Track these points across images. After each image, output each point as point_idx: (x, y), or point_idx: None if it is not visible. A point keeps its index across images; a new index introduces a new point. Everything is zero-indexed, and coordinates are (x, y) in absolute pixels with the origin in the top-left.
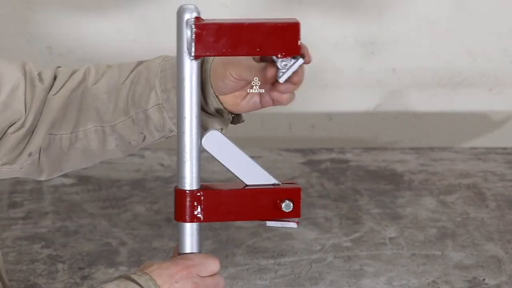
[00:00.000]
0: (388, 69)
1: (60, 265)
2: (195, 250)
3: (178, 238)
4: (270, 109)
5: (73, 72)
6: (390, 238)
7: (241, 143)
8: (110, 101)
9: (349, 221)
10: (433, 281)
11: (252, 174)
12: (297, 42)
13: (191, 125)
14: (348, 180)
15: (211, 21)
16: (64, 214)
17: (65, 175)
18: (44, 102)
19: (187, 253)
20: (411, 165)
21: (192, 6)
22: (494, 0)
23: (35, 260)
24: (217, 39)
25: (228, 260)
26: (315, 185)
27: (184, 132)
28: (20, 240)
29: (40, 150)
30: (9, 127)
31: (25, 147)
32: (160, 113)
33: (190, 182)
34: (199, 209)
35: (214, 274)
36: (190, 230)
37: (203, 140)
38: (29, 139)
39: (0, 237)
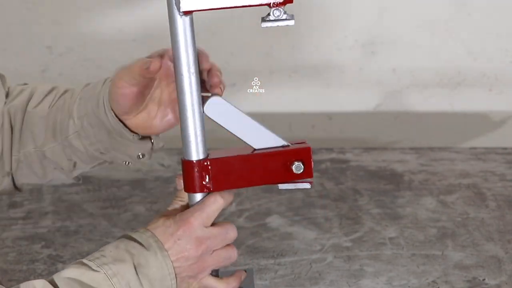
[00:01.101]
0: (388, 69)
1: (60, 265)
2: None
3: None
4: (270, 109)
5: (21, 91)
6: (390, 238)
7: (241, 143)
8: (42, 126)
9: (349, 221)
10: (433, 281)
11: (259, 137)
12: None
13: (190, 82)
14: (348, 180)
15: None
16: (64, 214)
17: None
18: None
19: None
20: (411, 165)
21: None
22: (494, 0)
23: (35, 260)
24: None
25: None
26: (315, 185)
27: (184, 92)
28: (20, 240)
29: None
30: None
31: None
32: (80, 140)
33: (196, 151)
34: (207, 179)
35: (228, 245)
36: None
37: (205, 107)
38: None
39: (0, 237)
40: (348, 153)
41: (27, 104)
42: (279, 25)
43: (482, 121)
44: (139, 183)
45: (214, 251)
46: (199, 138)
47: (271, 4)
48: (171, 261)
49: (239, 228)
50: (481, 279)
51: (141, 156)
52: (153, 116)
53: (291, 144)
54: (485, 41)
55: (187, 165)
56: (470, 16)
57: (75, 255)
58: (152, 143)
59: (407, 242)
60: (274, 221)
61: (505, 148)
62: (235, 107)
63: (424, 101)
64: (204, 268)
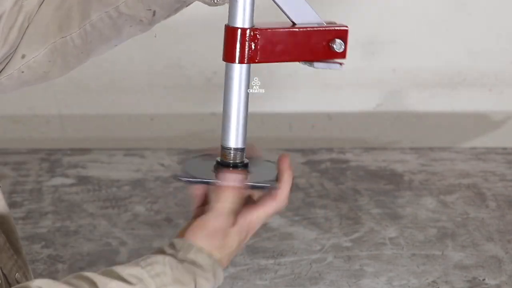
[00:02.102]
0: (388, 69)
1: (60, 265)
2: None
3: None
4: (270, 109)
5: None
6: (390, 238)
7: None
8: None
9: (349, 221)
10: (433, 281)
11: (301, 12)
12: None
13: None
14: (348, 180)
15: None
16: (64, 214)
17: (65, 175)
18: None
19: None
20: (411, 165)
21: None
22: (494, 0)
23: (35, 260)
24: None
25: None
26: (315, 185)
27: None
28: (20, 240)
29: (52, 55)
30: None
31: (16, 49)
32: None
33: (242, 20)
34: (253, 48)
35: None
36: (239, 71)
37: None
38: (20, 42)
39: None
40: (348, 153)
41: None
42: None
43: (482, 121)
44: (139, 183)
45: None
46: (248, 7)
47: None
48: (222, 269)
49: None
50: (481, 279)
51: None
52: None
53: (327, 23)
54: (485, 41)
55: (231, 31)
56: (470, 16)
57: (75, 255)
58: None
59: (407, 242)
60: (274, 221)
61: (505, 148)
62: None
63: (424, 101)
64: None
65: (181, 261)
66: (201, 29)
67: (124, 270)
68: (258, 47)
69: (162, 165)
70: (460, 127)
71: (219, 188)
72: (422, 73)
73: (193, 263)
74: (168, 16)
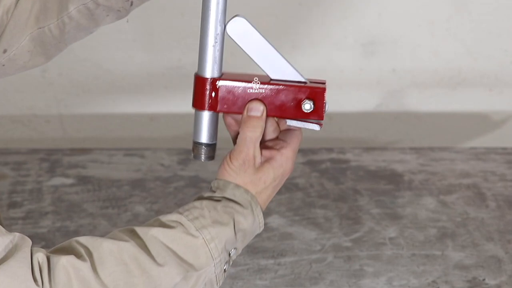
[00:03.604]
0: (388, 69)
1: None
2: (207, 140)
3: (193, 126)
4: None
5: None
6: (390, 238)
7: None
8: None
9: (349, 221)
10: (433, 281)
11: (278, 68)
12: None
13: (217, 3)
14: (348, 180)
15: None
16: (64, 214)
17: (65, 175)
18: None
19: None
20: (411, 165)
21: None
22: (494, 0)
23: None
24: None
25: None
26: (315, 185)
27: (209, 11)
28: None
29: (30, 45)
30: None
31: None
32: None
33: (211, 69)
34: (217, 99)
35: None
36: (207, 118)
37: (227, 25)
38: (1, 37)
39: None
40: (348, 153)
41: None
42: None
43: (482, 121)
44: (139, 183)
45: None
46: (217, 55)
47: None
48: (261, 209)
49: None
50: (481, 279)
51: None
52: None
53: (309, 82)
54: (485, 41)
55: (199, 81)
56: (470, 16)
57: None
58: None
59: (407, 242)
60: (274, 221)
61: (505, 148)
62: (259, 32)
63: (424, 101)
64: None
65: (219, 201)
66: None
67: (164, 217)
68: (218, 97)
69: (162, 165)
70: (460, 127)
71: (246, 118)
72: (422, 73)
73: (231, 200)
74: (143, 2)
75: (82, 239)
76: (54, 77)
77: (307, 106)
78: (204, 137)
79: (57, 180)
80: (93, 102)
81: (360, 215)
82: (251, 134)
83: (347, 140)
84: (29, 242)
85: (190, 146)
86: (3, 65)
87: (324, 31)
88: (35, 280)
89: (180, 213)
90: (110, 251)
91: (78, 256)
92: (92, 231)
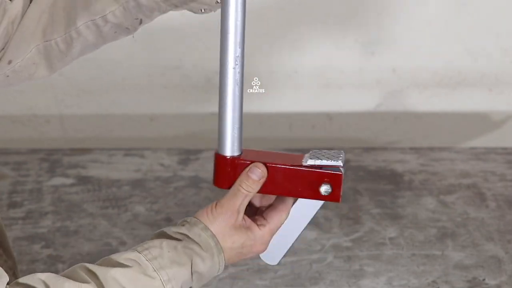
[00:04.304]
0: (388, 69)
1: (60, 265)
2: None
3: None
4: (270, 109)
5: None
6: (390, 238)
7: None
8: None
9: (349, 221)
10: (433, 281)
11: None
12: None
13: (234, 73)
14: (348, 180)
15: None
16: (64, 214)
17: (65, 175)
18: (22, 12)
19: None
20: (411, 165)
21: None
22: (494, 0)
23: (35, 260)
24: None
25: None
26: None
27: (226, 82)
28: (20, 240)
29: (35, 57)
30: None
31: (3, 55)
32: None
33: (231, 147)
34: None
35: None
36: None
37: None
38: (7, 47)
39: None
40: (348, 153)
41: None
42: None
43: (482, 121)
44: (139, 183)
45: None
46: (236, 133)
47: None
48: (224, 260)
49: None
50: (481, 279)
51: (218, 1)
52: None
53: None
54: (485, 41)
55: (220, 159)
56: (470, 16)
57: (75, 255)
58: None
59: (407, 242)
60: None
61: (505, 148)
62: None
63: (424, 101)
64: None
65: (180, 240)
66: (201, 29)
67: (121, 256)
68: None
69: (162, 165)
70: (460, 127)
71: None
72: (422, 73)
73: (192, 241)
74: (152, 20)
75: (45, 277)
76: (54, 77)
77: (325, 188)
78: None
79: (57, 180)
80: (93, 102)
81: (360, 215)
82: (244, 191)
83: (347, 140)
84: (5, 279)
85: (190, 146)
86: (7, 76)
87: (324, 31)
88: None
89: (139, 252)
90: None
91: None
92: (92, 231)
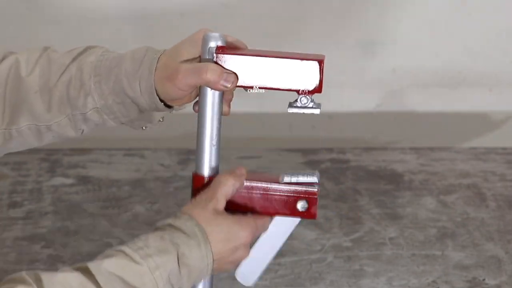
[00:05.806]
0: (388, 69)
1: (60, 265)
2: None
3: None
4: (270, 109)
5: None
6: (390, 238)
7: (241, 143)
8: (43, 101)
9: (349, 221)
10: (433, 281)
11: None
12: (321, 80)
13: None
14: (348, 180)
15: (233, 52)
16: (64, 214)
17: (65, 175)
18: None
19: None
20: (411, 165)
21: (216, 35)
22: (494, 0)
23: (35, 260)
24: (237, 70)
25: None
26: None
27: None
28: (20, 240)
29: None
30: None
31: None
32: (100, 114)
33: (208, 167)
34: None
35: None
36: None
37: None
38: None
39: (0, 237)
40: (348, 153)
41: (14, 72)
42: (305, 112)
43: (482, 121)
44: (139, 183)
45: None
46: (214, 155)
47: (300, 91)
48: (212, 252)
49: None
50: (481, 279)
51: (161, 120)
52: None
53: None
54: (485, 41)
55: (197, 179)
56: (470, 16)
57: (75, 255)
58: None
59: (407, 242)
60: None
61: (505, 148)
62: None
63: (424, 101)
64: (240, 251)
65: (165, 230)
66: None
67: (106, 252)
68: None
69: (162, 165)
70: (460, 127)
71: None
72: (422, 73)
73: (178, 229)
74: (93, 130)
75: (35, 271)
76: None
77: (302, 204)
78: None
79: (57, 180)
80: None
81: (360, 215)
82: (225, 181)
83: (347, 140)
84: None
85: (190, 146)
86: None
87: (324, 31)
88: None
89: (125, 244)
90: (59, 282)
91: (28, 284)
92: (92, 231)
